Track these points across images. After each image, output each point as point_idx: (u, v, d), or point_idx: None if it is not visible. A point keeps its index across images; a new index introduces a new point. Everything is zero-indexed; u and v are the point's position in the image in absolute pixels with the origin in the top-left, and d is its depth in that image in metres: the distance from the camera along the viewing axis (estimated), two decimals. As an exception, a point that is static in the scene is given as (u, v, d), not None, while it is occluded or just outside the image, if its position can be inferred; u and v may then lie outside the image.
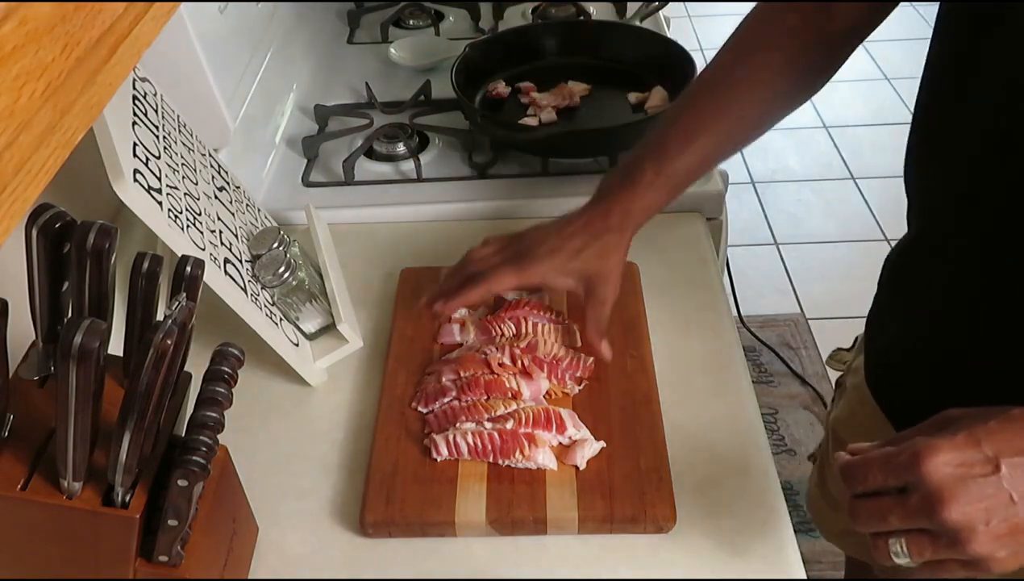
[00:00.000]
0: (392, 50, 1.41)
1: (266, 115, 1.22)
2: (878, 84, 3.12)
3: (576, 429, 0.79)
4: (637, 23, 1.45)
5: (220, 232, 0.85)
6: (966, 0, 0.65)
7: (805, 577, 0.73)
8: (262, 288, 0.88)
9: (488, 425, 0.79)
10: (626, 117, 1.22)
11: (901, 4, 0.79)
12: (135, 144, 0.75)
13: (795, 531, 0.75)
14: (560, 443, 0.79)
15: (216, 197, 0.89)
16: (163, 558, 0.62)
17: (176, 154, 0.84)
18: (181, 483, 0.59)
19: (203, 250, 0.79)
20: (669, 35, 1.39)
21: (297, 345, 0.89)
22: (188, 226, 0.78)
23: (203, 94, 0.99)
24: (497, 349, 0.86)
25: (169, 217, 0.75)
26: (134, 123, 0.77)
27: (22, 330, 0.62)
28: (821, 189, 2.76)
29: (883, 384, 0.87)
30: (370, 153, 1.19)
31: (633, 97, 1.24)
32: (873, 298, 0.89)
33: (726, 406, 0.85)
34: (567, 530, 0.75)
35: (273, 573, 0.75)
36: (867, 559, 1.05)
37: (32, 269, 0.59)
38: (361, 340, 0.93)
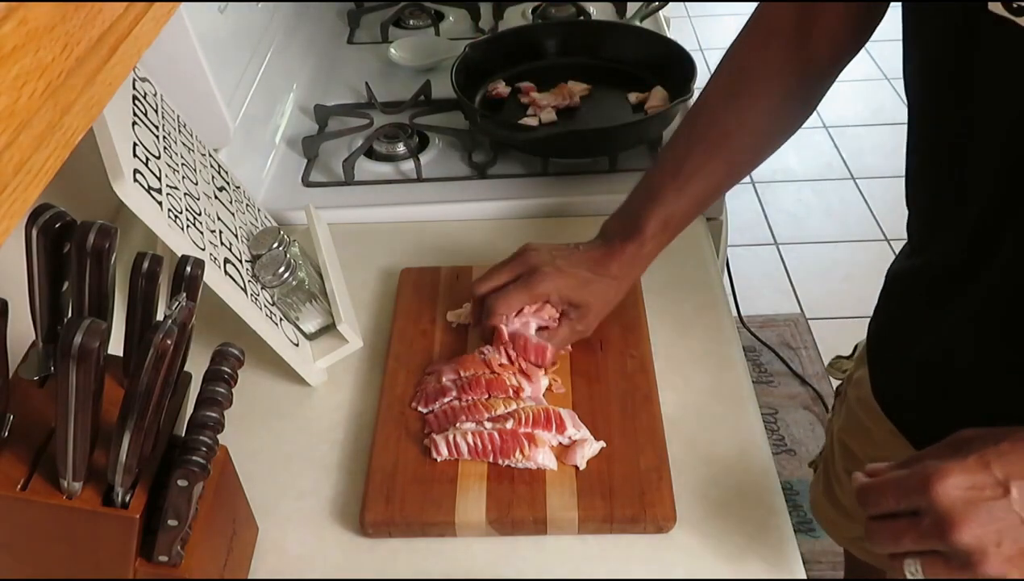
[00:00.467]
0: (392, 50, 1.41)
1: (266, 115, 1.22)
2: (878, 84, 3.12)
3: (576, 429, 0.79)
4: (637, 23, 1.45)
5: (220, 232, 0.85)
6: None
7: (805, 577, 0.73)
8: (262, 288, 0.88)
9: (488, 425, 0.79)
10: (626, 117, 1.22)
11: (901, 4, 0.78)
12: (135, 144, 0.75)
13: (795, 531, 0.75)
14: (560, 443, 0.79)
15: (216, 197, 0.89)
16: (163, 558, 0.62)
17: (176, 154, 0.84)
18: (181, 483, 0.59)
19: (203, 250, 0.79)
20: (669, 35, 1.39)
21: (297, 345, 0.89)
22: (188, 226, 0.78)
23: (203, 94, 0.99)
24: (495, 350, 0.86)
25: (169, 217, 0.75)
26: (134, 123, 0.77)
27: (22, 330, 0.62)
28: (821, 189, 2.76)
29: (892, 399, 0.87)
30: (370, 153, 1.19)
31: (633, 97, 1.24)
32: (874, 310, 0.89)
33: (726, 406, 0.85)
34: (567, 530, 0.75)
35: (273, 573, 0.75)
36: (881, 564, 1.05)
37: (32, 269, 0.59)
38: (361, 340, 0.93)
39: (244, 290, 0.83)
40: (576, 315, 0.85)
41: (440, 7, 1.57)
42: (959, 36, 0.62)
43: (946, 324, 0.75)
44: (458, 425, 0.80)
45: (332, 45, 1.50)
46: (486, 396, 0.82)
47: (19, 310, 0.59)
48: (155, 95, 0.86)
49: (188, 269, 0.62)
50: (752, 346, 2.21)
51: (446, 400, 0.83)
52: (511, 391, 0.82)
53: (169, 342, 0.52)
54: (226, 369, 0.62)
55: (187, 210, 0.80)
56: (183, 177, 0.83)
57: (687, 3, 3.72)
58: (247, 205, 0.98)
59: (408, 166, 1.17)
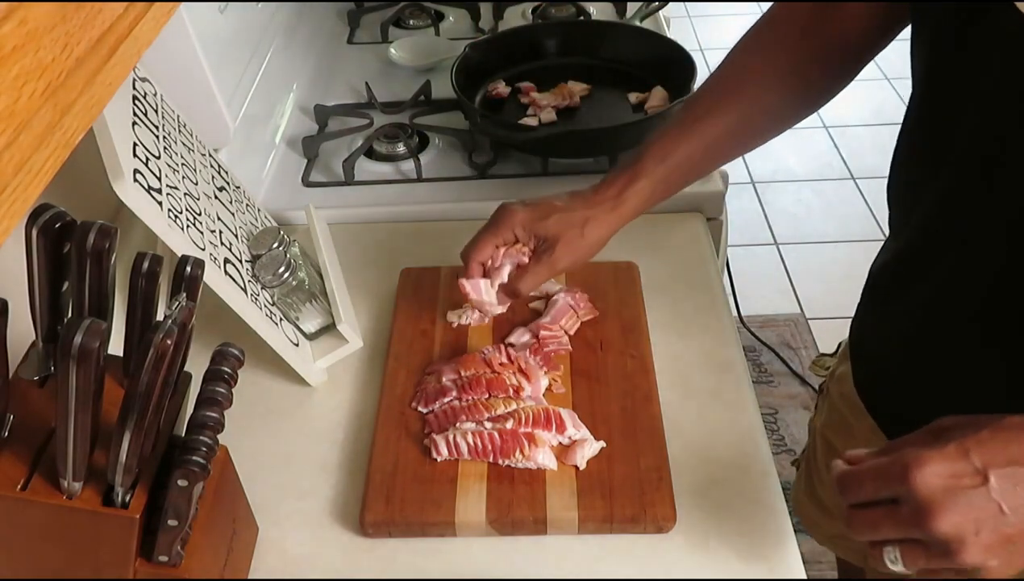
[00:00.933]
0: (392, 50, 1.41)
1: (266, 115, 1.22)
2: (878, 84, 3.12)
3: (576, 429, 0.79)
4: (637, 23, 1.45)
5: (220, 232, 0.85)
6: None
7: (805, 577, 0.73)
8: (262, 288, 0.88)
9: (488, 425, 0.79)
10: (626, 117, 1.22)
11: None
12: (135, 144, 0.75)
13: (795, 531, 0.75)
14: (560, 443, 0.79)
15: (216, 197, 0.89)
16: (163, 558, 0.62)
17: (176, 154, 0.84)
18: (181, 483, 0.59)
19: (203, 250, 0.79)
20: (669, 35, 1.39)
21: (297, 345, 0.89)
22: (188, 226, 0.78)
23: (203, 94, 0.99)
24: (496, 349, 0.86)
25: (169, 217, 0.75)
26: (134, 123, 0.77)
27: (22, 330, 0.62)
28: (821, 189, 2.76)
29: (872, 391, 0.87)
30: (370, 153, 1.19)
31: (633, 97, 1.24)
32: (857, 306, 0.89)
33: (726, 406, 0.85)
34: (567, 530, 0.75)
35: (273, 573, 0.75)
36: (859, 563, 1.05)
37: (32, 269, 0.59)
38: (361, 340, 0.93)
39: (244, 290, 0.83)
40: (545, 248, 0.84)
41: (440, 7, 1.57)
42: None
43: (917, 308, 0.75)
44: (458, 425, 0.80)
45: (332, 45, 1.50)
46: (486, 396, 0.82)
47: (19, 310, 0.59)
48: (155, 95, 0.86)
49: (188, 269, 0.62)
50: (752, 346, 2.21)
51: (446, 400, 0.83)
52: (511, 391, 0.82)
53: (169, 342, 0.52)
54: (226, 369, 0.62)
55: (187, 210, 0.80)
56: (183, 177, 0.83)
57: (687, 3, 3.72)
58: (247, 205, 0.98)
59: (408, 166, 1.17)
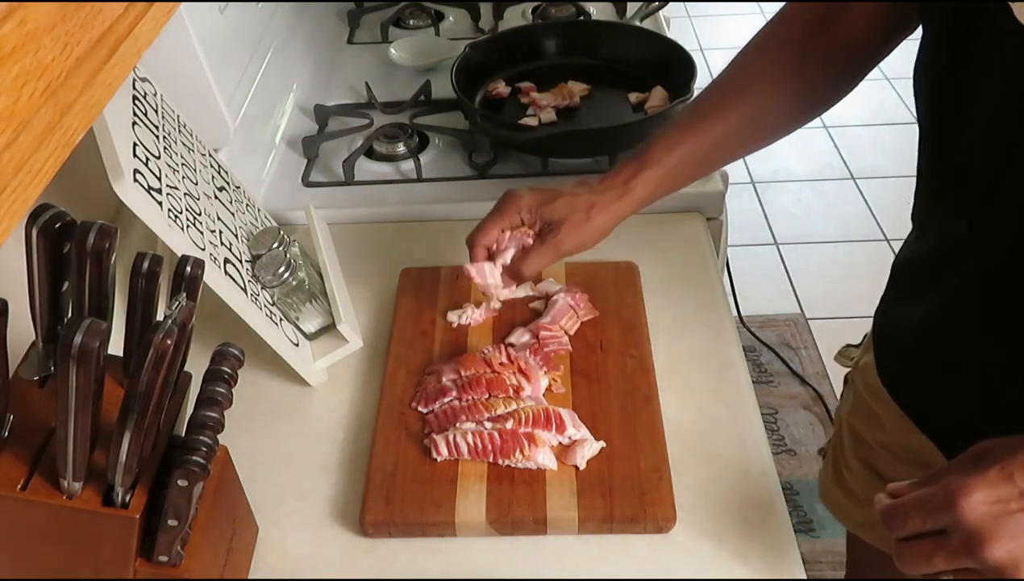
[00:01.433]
0: (392, 50, 1.41)
1: (266, 115, 1.22)
2: (878, 84, 3.12)
3: (576, 429, 0.79)
4: (637, 23, 1.45)
5: (220, 232, 0.85)
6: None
7: (805, 577, 0.73)
8: (262, 288, 0.88)
9: (488, 425, 0.79)
10: (626, 117, 1.22)
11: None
12: (135, 144, 0.75)
13: (795, 531, 0.75)
14: (560, 443, 0.79)
15: (216, 197, 0.89)
16: (163, 558, 0.62)
17: (176, 154, 0.84)
18: (181, 483, 0.59)
19: (203, 250, 0.79)
20: (669, 35, 1.39)
21: (297, 345, 0.89)
22: (188, 226, 0.78)
23: (203, 94, 0.99)
24: (496, 349, 0.86)
25: (169, 217, 0.75)
26: (134, 123, 0.77)
27: (22, 330, 0.62)
28: (821, 189, 2.76)
29: (897, 381, 0.87)
30: (370, 153, 1.19)
31: (633, 97, 1.24)
32: (881, 298, 0.89)
33: (726, 406, 0.85)
34: (567, 530, 0.75)
35: (273, 573, 0.75)
36: (889, 549, 1.04)
37: (32, 269, 0.59)
38: (361, 340, 0.93)
39: (244, 290, 0.83)
40: (549, 230, 0.84)
41: (440, 7, 1.57)
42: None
43: (945, 299, 0.75)
44: (458, 425, 0.80)
45: (332, 45, 1.50)
46: (486, 396, 0.82)
47: (19, 310, 0.59)
48: (155, 95, 0.86)
49: (188, 269, 0.62)
50: (752, 346, 2.21)
51: (446, 400, 0.83)
52: (511, 391, 0.82)
53: (169, 342, 0.52)
54: (226, 369, 0.62)
55: (187, 210, 0.80)
56: (183, 177, 0.83)
57: (687, 3, 3.72)
58: (247, 205, 0.98)
59: (408, 166, 1.17)
